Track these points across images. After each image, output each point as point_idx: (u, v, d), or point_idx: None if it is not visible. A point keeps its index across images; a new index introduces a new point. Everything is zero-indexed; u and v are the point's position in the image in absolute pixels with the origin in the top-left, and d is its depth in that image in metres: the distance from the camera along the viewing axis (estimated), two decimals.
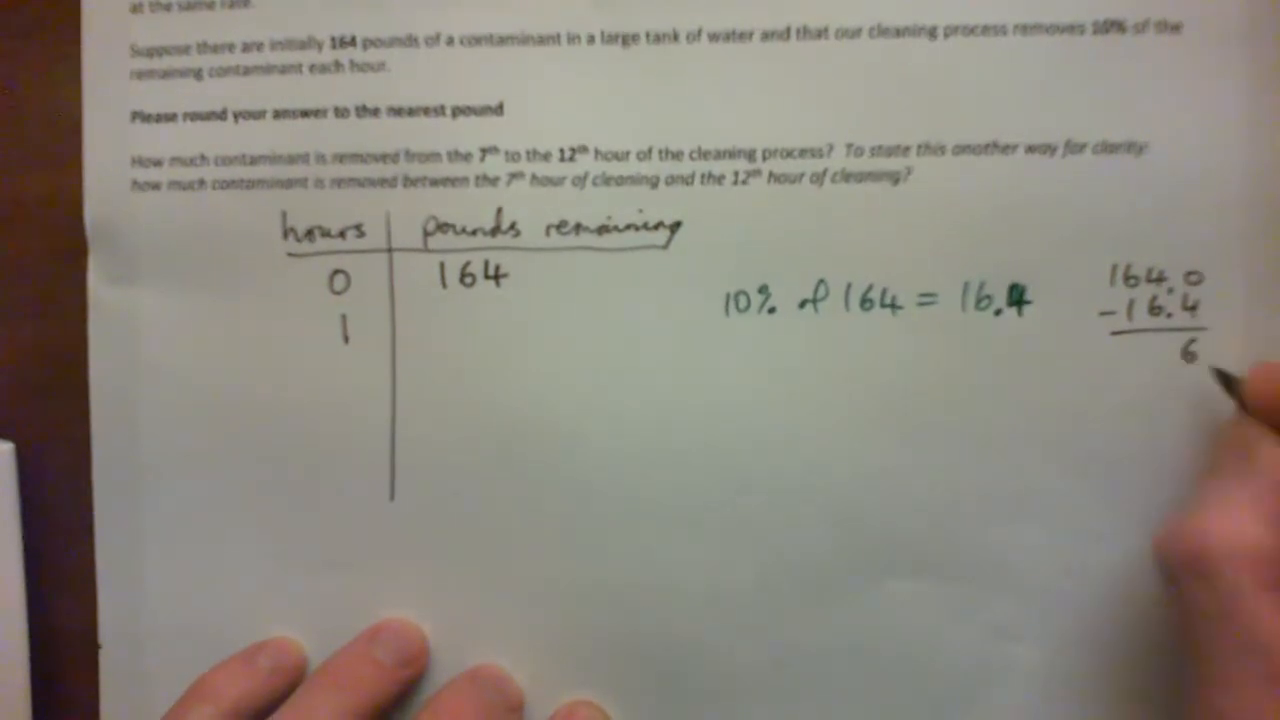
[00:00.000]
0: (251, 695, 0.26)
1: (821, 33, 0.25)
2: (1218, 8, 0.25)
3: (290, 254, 0.28)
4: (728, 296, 0.26)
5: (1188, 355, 0.25)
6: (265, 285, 0.28)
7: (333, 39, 0.27)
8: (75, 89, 0.28)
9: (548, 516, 0.27)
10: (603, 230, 0.26)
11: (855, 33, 0.25)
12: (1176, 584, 0.21)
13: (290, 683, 0.27)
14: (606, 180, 0.26)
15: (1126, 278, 0.25)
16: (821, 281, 0.26)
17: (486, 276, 0.27)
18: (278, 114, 0.27)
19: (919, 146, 0.25)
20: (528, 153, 0.26)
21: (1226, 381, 0.24)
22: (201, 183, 0.28)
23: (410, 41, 0.27)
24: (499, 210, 0.27)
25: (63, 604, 0.30)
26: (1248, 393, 0.23)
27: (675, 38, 0.26)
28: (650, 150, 0.26)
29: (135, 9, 0.28)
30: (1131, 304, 0.25)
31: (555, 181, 0.26)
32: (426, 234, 0.27)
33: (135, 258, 0.28)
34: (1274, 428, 0.22)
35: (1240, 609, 0.19)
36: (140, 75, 0.28)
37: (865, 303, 0.26)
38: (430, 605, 0.28)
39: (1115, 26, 0.25)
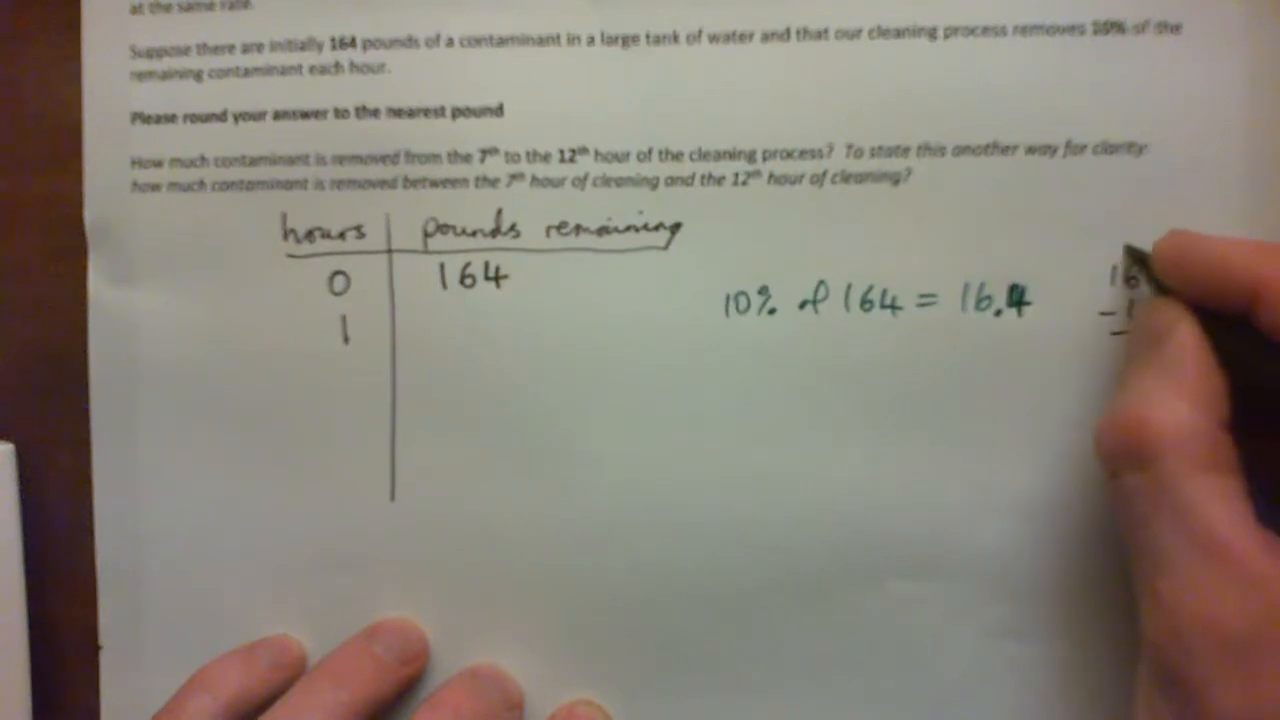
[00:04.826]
0: (251, 688, 0.26)
1: (821, 33, 0.25)
2: (1218, 8, 0.24)
3: (290, 255, 0.28)
4: (728, 297, 0.26)
5: None
6: (265, 286, 0.28)
7: (333, 40, 0.27)
8: (75, 89, 0.28)
9: (547, 517, 0.27)
10: (603, 231, 0.26)
11: (855, 33, 0.25)
12: (1116, 475, 0.21)
13: (289, 679, 0.27)
14: (606, 181, 0.26)
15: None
16: (821, 282, 0.26)
17: (486, 277, 0.27)
18: (278, 115, 0.27)
19: (919, 147, 0.25)
20: (528, 154, 0.26)
21: (1140, 260, 0.24)
22: (201, 184, 0.28)
23: (410, 42, 0.27)
24: (499, 211, 0.27)
25: (63, 604, 0.30)
26: (1156, 263, 0.23)
27: (675, 38, 0.26)
28: (650, 151, 0.26)
29: (135, 10, 0.28)
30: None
31: (555, 182, 0.26)
32: (426, 235, 0.27)
33: (135, 258, 0.28)
34: (1188, 298, 0.22)
35: (1178, 494, 0.19)
36: (140, 76, 0.28)
37: (865, 303, 0.26)
38: (430, 605, 0.28)
39: (1115, 27, 0.25)
